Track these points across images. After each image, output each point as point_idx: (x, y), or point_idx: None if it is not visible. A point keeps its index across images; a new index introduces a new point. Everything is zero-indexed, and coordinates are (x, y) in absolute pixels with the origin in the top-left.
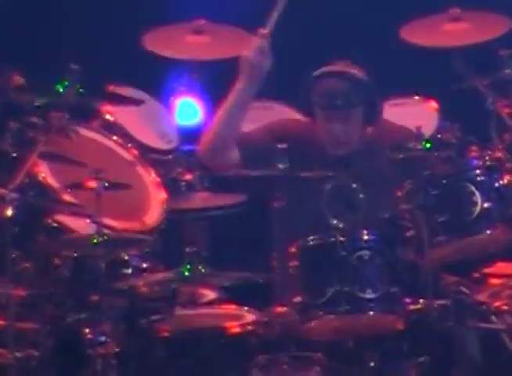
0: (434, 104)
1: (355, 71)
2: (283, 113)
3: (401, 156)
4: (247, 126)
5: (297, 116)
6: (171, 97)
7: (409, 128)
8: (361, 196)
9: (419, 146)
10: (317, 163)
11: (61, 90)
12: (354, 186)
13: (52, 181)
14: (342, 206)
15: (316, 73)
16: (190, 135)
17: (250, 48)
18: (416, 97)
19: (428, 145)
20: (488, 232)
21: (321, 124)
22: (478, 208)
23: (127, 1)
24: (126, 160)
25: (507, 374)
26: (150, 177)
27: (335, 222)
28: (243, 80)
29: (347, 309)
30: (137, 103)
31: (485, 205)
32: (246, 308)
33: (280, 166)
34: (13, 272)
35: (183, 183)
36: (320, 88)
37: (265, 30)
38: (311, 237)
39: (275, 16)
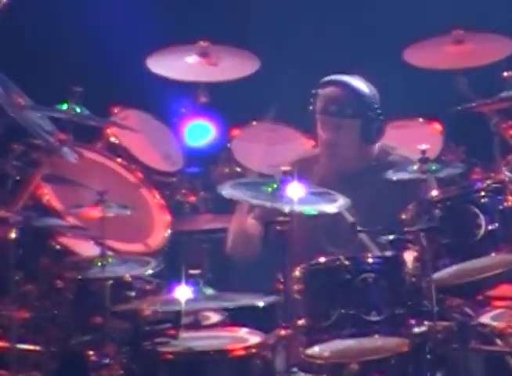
0: (438, 126)
1: (359, 84)
2: (287, 134)
3: (405, 178)
4: (253, 146)
5: (301, 138)
6: (179, 119)
7: (411, 154)
8: (353, 221)
9: (423, 168)
10: (320, 181)
11: (67, 110)
12: (350, 211)
13: (55, 203)
14: (337, 234)
15: (322, 80)
16: (198, 157)
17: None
18: (420, 119)
19: (433, 167)
20: (493, 254)
21: (318, 132)
22: (482, 231)
23: (131, 23)
24: (130, 183)
25: None
26: (154, 199)
27: (333, 250)
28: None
29: (352, 331)
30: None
31: (489, 227)
32: (250, 330)
33: None
34: (16, 293)
35: (187, 205)
36: (321, 94)
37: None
38: (316, 261)
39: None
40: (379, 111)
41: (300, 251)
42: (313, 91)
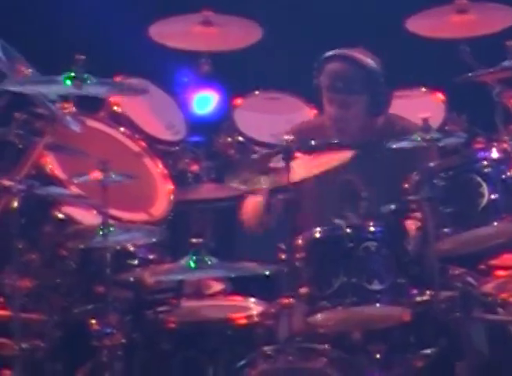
0: (440, 96)
1: (365, 58)
2: (290, 103)
3: (408, 146)
4: (256, 116)
5: (304, 107)
6: (181, 88)
7: (416, 123)
8: (363, 194)
9: (426, 137)
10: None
11: (68, 81)
12: (358, 182)
13: (58, 172)
14: (346, 204)
15: (326, 54)
16: (201, 126)
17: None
18: (423, 89)
19: (435, 136)
20: (495, 223)
21: (325, 106)
22: (485, 200)
23: None
24: (133, 152)
25: None
26: (157, 168)
27: (338, 220)
28: None
29: (354, 300)
30: (143, 92)
31: (492, 197)
32: (252, 299)
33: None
34: (19, 263)
35: (190, 174)
36: (326, 69)
37: None
38: (318, 229)
39: None
40: (385, 84)
41: (305, 216)
42: (316, 64)
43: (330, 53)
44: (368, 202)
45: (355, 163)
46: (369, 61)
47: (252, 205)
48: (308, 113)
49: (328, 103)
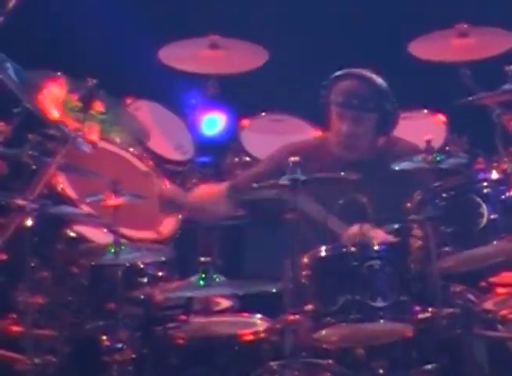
0: (442, 117)
1: (376, 77)
2: (294, 124)
3: (410, 168)
4: (262, 137)
5: (308, 128)
6: (190, 109)
7: (414, 143)
8: (369, 211)
9: (428, 159)
10: (328, 168)
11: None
12: (364, 200)
13: (70, 192)
14: (352, 221)
15: (338, 73)
16: (208, 147)
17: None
18: (425, 110)
19: (438, 157)
20: (495, 242)
21: (334, 123)
22: (485, 220)
23: (143, 15)
24: (142, 172)
25: None
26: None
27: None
28: None
29: (358, 317)
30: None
31: (492, 217)
32: (258, 316)
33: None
34: (32, 280)
35: None
36: (339, 86)
37: None
38: (323, 248)
39: None
40: (395, 104)
41: (311, 235)
42: (326, 82)
43: (343, 72)
44: (374, 220)
45: (360, 182)
46: (380, 80)
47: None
48: (312, 134)
49: (340, 119)
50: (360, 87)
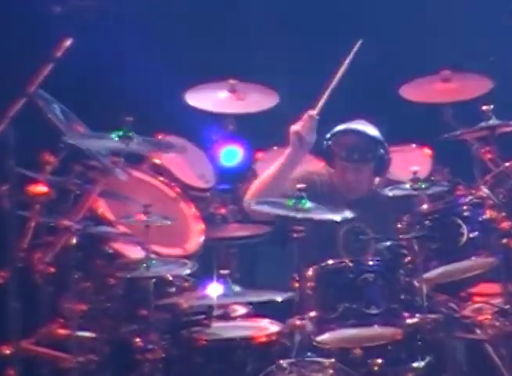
0: (427, 151)
1: (372, 130)
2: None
3: (400, 194)
4: (268, 167)
5: (313, 160)
6: (211, 143)
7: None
8: (371, 236)
9: (415, 186)
10: (333, 203)
11: (117, 138)
12: (364, 227)
13: (108, 214)
14: (354, 245)
15: (339, 128)
16: (227, 176)
17: (301, 124)
18: (413, 145)
19: (423, 185)
20: (473, 258)
21: (338, 171)
22: (465, 238)
23: (173, 62)
24: (170, 197)
25: None
26: (191, 211)
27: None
28: (292, 148)
29: (355, 322)
30: (180, 150)
31: (471, 235)
32: (270, 321)
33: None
34: (76, 290)
35: (218, 216)
36: (341, 142)
37: (314, 112)
38: (325, 263)
39: (324, 99)
40: (387, 152)
41: (315, 252)
42: (330, 135)
43: (343, 128)
44: (373, 241)
45: (359, 213)
46: (375, 131)
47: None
48: (317, 165)
49: (343, 169)
50: (359, 141)
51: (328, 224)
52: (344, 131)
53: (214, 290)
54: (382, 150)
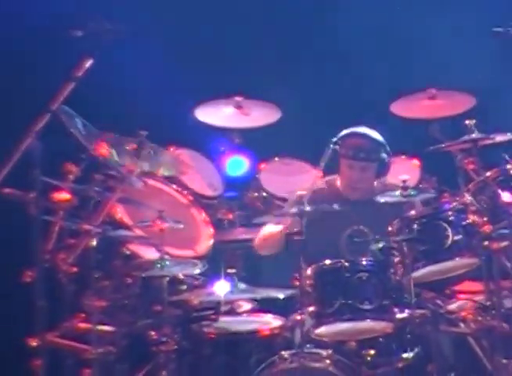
0: (416, 162)
1: (374, 133)
2: (301, 167)
3: (392, 201)
4: (276, 177)
5: (312, 170)
6: (219, 155)
7: (396, 183)
8: (369, 238)
9: (404, 193)
10: (336, 205)
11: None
12: (365, 230)
13: (126, 219)
14: (357, 247)
15: (346, 132)
16: (234, 185)
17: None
18: (403, 156)
19: (412, 192)
20: (457, 259)
21: (343, 171)
22: (450, 241)
23: (183, 80)
24: (182, 204)
25: (473, 369)
26: (201, 216)
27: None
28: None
29: (350, 317)
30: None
31: (455, 238)
32: (273, 316)
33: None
34: (96, 288)
35: (226, 221)
36: (347, 143)
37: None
38: (323, 263)
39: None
40: (390, 153)
41: (314, 253)
42: (336, 139)
43: (350, 131)
44: (373, 240)
45: (359, 216)
46: (378, 135)
47: (270, 233)
48: (314, 174)
49: (350, 168)
50: (365, 143)
51: (331, 230)
52: (351, 134)
53: (221, 287)
54: (384, 153)
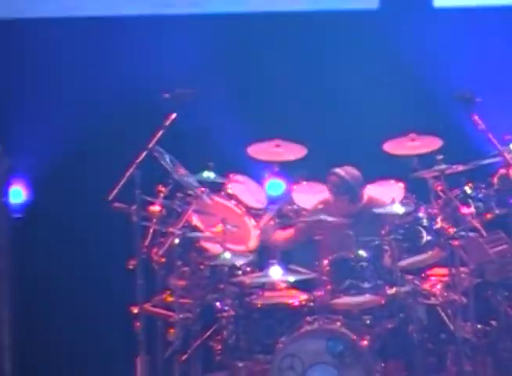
0: (401, 185)
1: (349, 174)
2: (319, 188)
3: (382, 212)
4: (303, 195)
5: (318, 186)
6: (263, 179)
7: (385, 201)
8: (357, 240)
9: (392, 207)
10: (340, 215)
11: (205, 176)
12: (351, 234)
13: (199, 224)
14: (346, 245)
15: (332, 171)
16: (275, 200)
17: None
18: (392, 181)
19: (397, 207)
20: (429, 252)
21: (332, 199)
22: (424, 240)
23: (238, 125)
24: (238, 213)
25: (441, 329)
26: (251, 222)
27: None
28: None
29: (355, 292)
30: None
31: (428, 238)
32: (301, 291)
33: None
34: (178, 272)
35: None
36: (330, 180)
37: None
38: (336, 255)
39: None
40: (361, 187)
41: (330, 249)
42: (327, 174)
43: (332, 170)
44: (356, 244)
45: (351, 223)
46: (354, 173)
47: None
48: (320, 189)
49: (336, 200)
50: (344, 183)
51: (340, 230)
52: (332, 173)
53: (269, 272)
54: (360, 186)
